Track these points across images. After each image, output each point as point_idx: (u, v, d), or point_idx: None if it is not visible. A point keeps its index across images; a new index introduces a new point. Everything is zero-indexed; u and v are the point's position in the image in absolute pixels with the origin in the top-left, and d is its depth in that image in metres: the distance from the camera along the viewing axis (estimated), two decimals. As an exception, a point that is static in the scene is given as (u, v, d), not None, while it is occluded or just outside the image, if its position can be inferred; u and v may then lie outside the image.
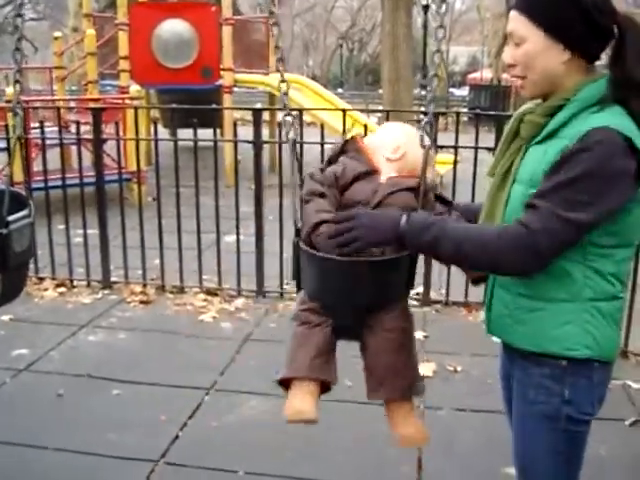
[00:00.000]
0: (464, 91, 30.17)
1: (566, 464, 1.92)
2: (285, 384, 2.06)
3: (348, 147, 2.16)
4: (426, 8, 21.99)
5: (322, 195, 2.03)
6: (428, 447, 3.42)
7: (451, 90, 30.60)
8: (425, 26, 22.98)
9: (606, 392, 1.92)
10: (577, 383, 1.84)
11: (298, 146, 5.23)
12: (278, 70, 2.31)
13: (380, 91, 24.20)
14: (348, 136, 2.20)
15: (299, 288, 2.10)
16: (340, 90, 26.16)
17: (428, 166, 2.04)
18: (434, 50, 2.05)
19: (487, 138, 5.11)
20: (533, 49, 1.79)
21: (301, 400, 1.99)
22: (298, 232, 2.06)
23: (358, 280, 1.94)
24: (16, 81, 2.28)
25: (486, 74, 30.04)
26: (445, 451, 3.43)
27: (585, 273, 1.78)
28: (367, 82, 46.67)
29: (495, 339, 2.03)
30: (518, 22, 1.81)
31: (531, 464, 1.96)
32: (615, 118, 1.71)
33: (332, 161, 2.17)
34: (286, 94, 2.30)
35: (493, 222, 1.89)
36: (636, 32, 1.78)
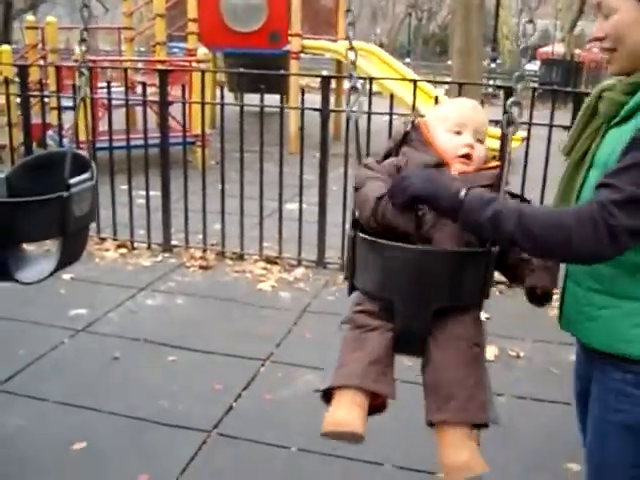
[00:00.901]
0: (534, 65, 29.36)
1: None
2: (328, 397, 1.78)
3: (411, 136, 1.92)
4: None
5: (379, 179, 1.82)
6: (485, 435, 3.33)
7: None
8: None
9: None
10: None
11: (366, 116, 5.13)
12: (347, 36, 2.08)
13: (449, 62, 23.75)
14: (409, 123, 1.95)
15: (352, 289, 1.85)
16: (407, 60, 25.72)
17: (507, 156, 1.80)
18: (526, 20, 1.85)
19: (559, 115, 4.89)
20: (625, 20, 1.65)
21: (347, 410, 1.72)
22: (355, 223, 1.84)
23: (427, 273, 1.70)
24: (82, 39, 2.20)
25: (557, 49, 29.17)
26: (504, 440, 3.30)
27: None
28: (435, 52, 45.87)
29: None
30: None
31: (605, 471, 1.83)
32: None
33: (391, 153, 1.95)
34: (354, 63, 2.07)
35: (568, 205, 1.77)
36: None
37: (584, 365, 1.93)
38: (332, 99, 8.52)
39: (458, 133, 1.87)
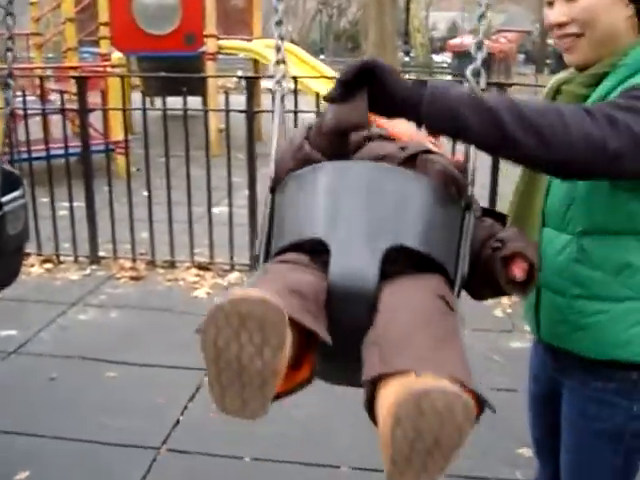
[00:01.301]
0: (442, 57, 29.93)
1: (622, 476, 1.76)
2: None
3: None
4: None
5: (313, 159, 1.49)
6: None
7: (431, 56, 30.37)
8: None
9: None
10: None
11: (292, 115, 5.10)
12: (278, 22, 1.80)
13: (363, 57, 23.92)
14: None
15: (266, 258, 1.40)
16: (322, 57, 25.82)
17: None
18: (480, 13, 1.66)
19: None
20: (597, 2, 1.55)
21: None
22: (272, 188, 1.56)
23: (382, 196, 1.28)
24: (8, 49, 2.08)
25: (467, 40, 29.76)
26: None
27: None
28: (347, 48, 46.16)
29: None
30: None
31: (584, 477, 1.80)
32: None
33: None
34: (285, 62, 1.81)
35: (528, 211, 1.69)
36: None
37: (550, 370, 1.86)
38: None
39: None
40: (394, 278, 1.22)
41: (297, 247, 1.30)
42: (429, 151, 1.56)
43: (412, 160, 1.49)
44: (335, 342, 1.15)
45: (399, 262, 1.24)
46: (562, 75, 1.72)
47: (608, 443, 1.69)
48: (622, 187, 1.52)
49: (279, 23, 1.77)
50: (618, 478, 1.75)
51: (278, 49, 1.78)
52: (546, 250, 1.65)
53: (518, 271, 1.37)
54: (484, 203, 2.35)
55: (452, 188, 1.45)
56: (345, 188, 1.27)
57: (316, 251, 1.24)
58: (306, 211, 1.30)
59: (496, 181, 4.87)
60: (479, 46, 1.59)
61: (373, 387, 1.08)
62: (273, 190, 1.53)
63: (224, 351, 0.99)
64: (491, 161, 4.88)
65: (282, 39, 1.79)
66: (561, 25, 1.61)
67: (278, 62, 1.78)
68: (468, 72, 1.58)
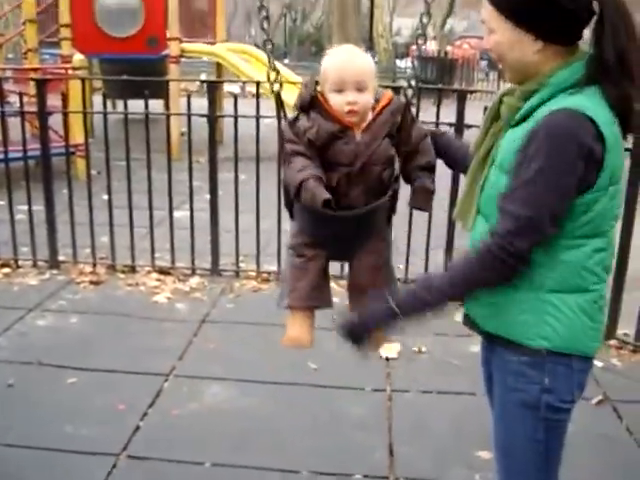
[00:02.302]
0: (406, 63, 30.06)
1: (545, 452, 1.89)
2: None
3: (316, 101, 2.02)
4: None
5: (303, 154, 1.99)
6: (398, 431, 3.38)
7: (395, 61, 30.52)
8: (371, -4, 22.67)
9: (586, 380, 1.89)
10: (556, 371, 1.80)
11: (254, 120, 5.10)
12: (262, 28, 2.19)
13: (326, 62, 23.88)
14: (311, 86, 2.05)
15: (292, 217, 2.18)
16: (286, 61, 25.78)
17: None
18: (423, 12, 2.04)
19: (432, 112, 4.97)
20: (503, 41, 1.75)
21: (299, 328, 2.12)
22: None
23: (347, 226, 2.05)
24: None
25: (430, 46, 29.98)
26: (416, 435, 3.37)
27: (549, 264, 1.74)
28: (311, 52, 46.19)
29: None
30: (487, 13, 1.76)
31: (510, 451, 1.94)
32: (586, 100, 1.65)
33: (303, 110, 2.05)
34: (266, 30, 2.19)
35: (469, 200, 1.90)
36: (613, 8, 1.68)
37: (487, 351, 2.04)
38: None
39: (340, 91, 1.97)
40: (361, 246, 2.12)
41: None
42: (375, 149, 2.02)
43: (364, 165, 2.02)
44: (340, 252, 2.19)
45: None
46: (508, 87, 1.88)
47: (527, 414, 1.84)
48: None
49: (269, 46, 2.19)
50: (540, 451, 1.88)
51: (275, 69, 2.18)
52: (473, 235, 1.89)
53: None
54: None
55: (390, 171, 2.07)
56: (327, 224, 2.08)
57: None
58: (310, 225, 2.15)
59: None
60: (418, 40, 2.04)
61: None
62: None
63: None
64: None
65: (272, 60, 2.19)
66: (487, 50, 1.86)
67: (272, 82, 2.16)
68: (407, 77, 2.00)
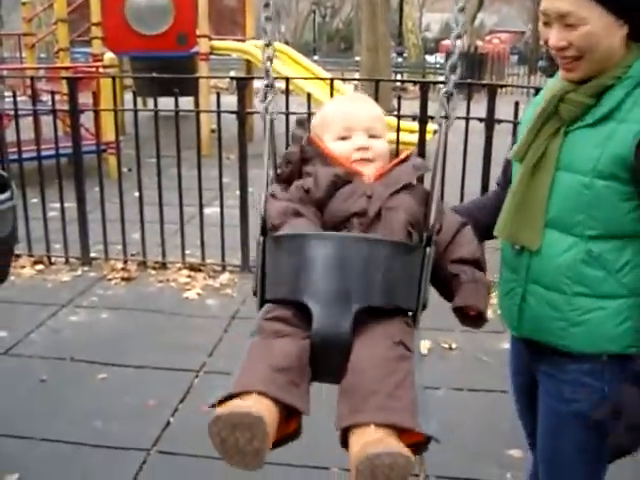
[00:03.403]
0: (435, 58, 29.93)
1: (596, 462, 1.84)
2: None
3: (308, 152, 1.69)
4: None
5: (297, 214, 1.56)
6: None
7: (425, 57, 30.41)
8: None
9: None
10: (616, 378, 1.72)
11: (284, 117, 5.09)
12: (264, 30, 1.81)
13: (356, 58, 23.90)
14: (298, 140, 1.72)
15: (262, 303, 1.55)
16: (315, 57, 25.78)
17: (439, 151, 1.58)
18: (458, 7, 1.58)
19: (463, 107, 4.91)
20: (596, 29, 1.60)
21: (247, 400, 1.32)
22: (264, 229, 1.59)
23: (347, 264, 1.46)
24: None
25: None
26: (446, 433, 3.31)
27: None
28: (340, 49, 46.18)
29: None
30: (572, 2, 1.59)
31: (559, 462, 1.87)
32: None
33: (291, 176, 1.70)
34: (270, 59, 1.79)
35: (528, 214, 1.74)
36: None
37: (526, 360, 1.96)
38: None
39: (346, 138, 1.67)
40: (367, 325, 1.44)
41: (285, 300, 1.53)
42: (394, 192, 1.60)
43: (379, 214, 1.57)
44: (321, 374, 1.47)
45: (371, 312, 1.45)
46: (562, 84, 1.73)
47: (583, 425, 1.77)
48: (626, 196, 1.63)
49: (268, 45, 1.79)
50: (591, 462, 1.83)
51: (267, 72, 1.78)
52: (546, 251, 1.73)
53: (471, 323, 1.59)
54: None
55: (414, 233, 1.58)
56: (323, 260, 1.48)
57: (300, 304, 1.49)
58: (292, 276, 1.51)
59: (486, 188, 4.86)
60: (453, 69, 1.57)
61: (345, 432, 1.36)
62: (264, 232, 1.59)
63: (225, 440, 1.28)
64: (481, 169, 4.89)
65: (270, 60, 1.79)
66: (559, 49, 1.65)
67: (267, 86, 1.77)
68: (441, 96, 1.56)
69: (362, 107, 1.72)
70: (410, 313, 1.52)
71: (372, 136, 1.67)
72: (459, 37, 1.58)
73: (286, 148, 1.75)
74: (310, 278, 1.47)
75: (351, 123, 1.67)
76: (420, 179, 1.82)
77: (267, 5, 1.78)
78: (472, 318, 1.57)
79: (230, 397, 1.33)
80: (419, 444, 1.38)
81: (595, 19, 1.59)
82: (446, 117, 1.58)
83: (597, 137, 1.65)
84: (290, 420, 1.46)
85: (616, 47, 1.64)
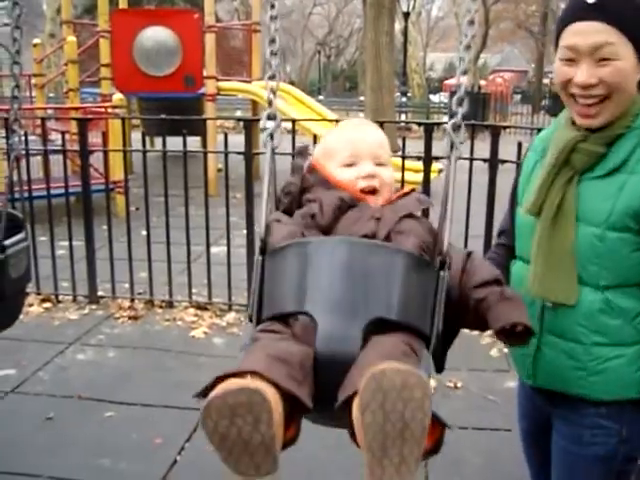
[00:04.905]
0: (439, 97, 30.26)
1: None
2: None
3: (309, 181, 1.65)
4: (407, 15, 21.94)
5: (303, 237, 1.54)
6: (434, 466, 3.36)
7: (429, 96, 30.76)
8: (405, 33, 22.92)
9: None
10: (634, 420, 1.73)
11: (290, 157, 5.14)
12: (269, 63, 1.75)
13: (360, 98, 24.17)
14: (299, 169, 1.67)
15: (259, 321, 1.47)
16: (320, 97, 26.07)
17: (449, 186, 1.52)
18: (463, 45, 1.57)
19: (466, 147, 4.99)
20: (627, 66, 1.59)
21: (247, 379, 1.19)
22: (263, 250, 1.54)
23: (356, 272, 1.37)
24: (14, 96, 2.13)
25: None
26: (451, 471, 3.34)
27: None
28: (345, 88, 46.69)
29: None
30: (611, 36, 1.56)
31: None
32: None
33: (291, 207, 1.65)
34: (274, 91, 1.72)
35: (561, 270, 1.69)
36: None
37: (538, 405, 1.94)
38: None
39: (352, 165, 1.63)
40: (373, 338, 1.34)
41: (284, 315, 1.42)
42: (402, 217, 1.56)
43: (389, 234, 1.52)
44: (322, 400, 1.29)
45: (380, 326, 1.35)
46: (574, 134, 1.71)
47: (600, 468, 1.75)
48: (638, 247, 1.64)
49: (272, 77, 1.73)
50: None
51: (270, 102, 1.73)
52: (580, 309, 1.70)
53: (517, 340, 1.51)
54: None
55: (425, 255, 1.51)
56: (330, 266, 1.38)
57: (300, 317, 1.38)
58: (295, 285, 1.40)
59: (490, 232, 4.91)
60: (460, 102, 1.56)
61: (349, 408, 1.20)
62: (263, 252, 1.55)
63: (226, 436, 1.11)
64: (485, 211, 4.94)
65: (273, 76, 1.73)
66: (587, 86, 1.62)
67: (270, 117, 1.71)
68: (448, 127, 1.54)
69: (368, 133, 1.69)
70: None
71: (379, 164, 1.64)
72: (465, 73, 1.58)
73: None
74: (315, 286, 1.38)
75: (357, 150, 1.63)
76: (425, 215, 1.82)
77: (273, 41, 1.76)
78: (518, 335, 1.49)
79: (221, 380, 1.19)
80: (428, 451, 1.29)
81: (627, 56, 1.58)
82: (453, 147, 1.55)
83: (609, 189, 1.66)
84: (289, 424, 1.31)
85: (634, 91, 1.63)
